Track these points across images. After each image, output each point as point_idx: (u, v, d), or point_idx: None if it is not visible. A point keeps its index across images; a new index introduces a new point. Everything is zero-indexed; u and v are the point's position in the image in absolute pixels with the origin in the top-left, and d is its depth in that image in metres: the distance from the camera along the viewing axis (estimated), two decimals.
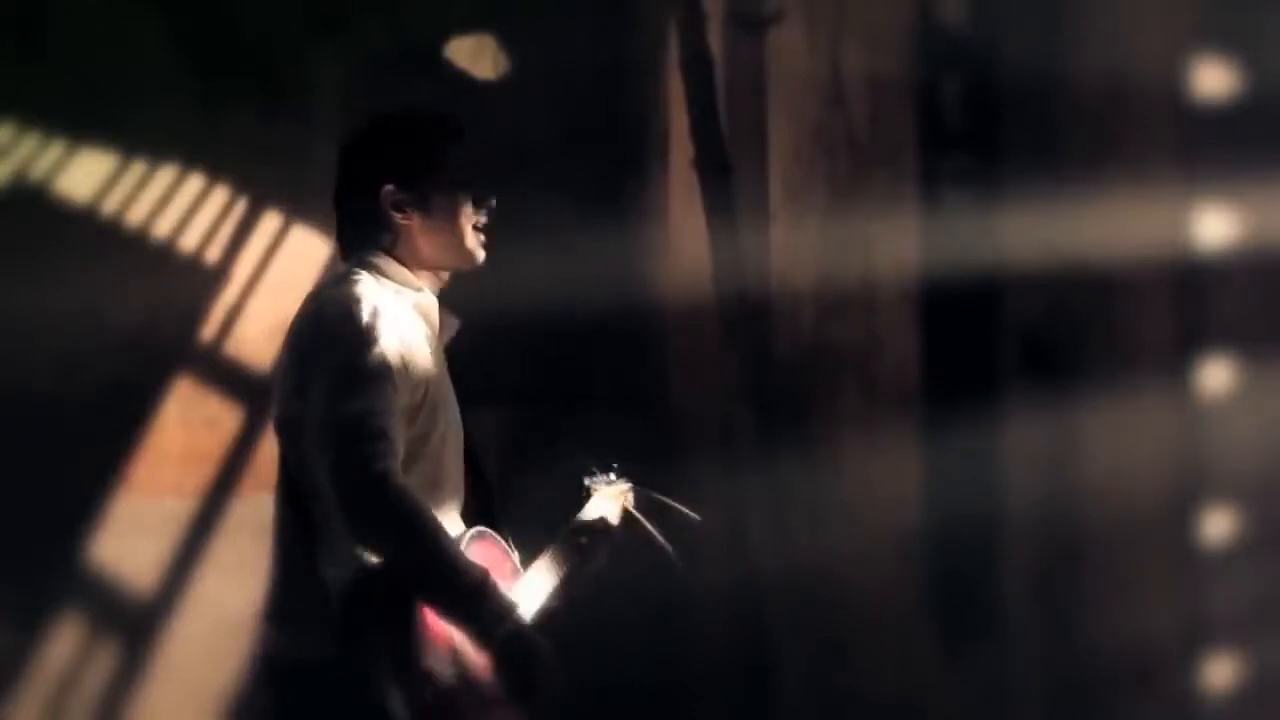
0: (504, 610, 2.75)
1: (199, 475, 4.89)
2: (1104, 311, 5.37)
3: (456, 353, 3.05)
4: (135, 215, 4.83)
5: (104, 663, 4.76)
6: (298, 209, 5.02)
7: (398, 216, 2.95)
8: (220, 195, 4.94)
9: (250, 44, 4.92)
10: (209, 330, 4.92)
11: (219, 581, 4.86)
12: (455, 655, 2.76)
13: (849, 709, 5.43)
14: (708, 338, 5.50)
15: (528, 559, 3.03)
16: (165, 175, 4.86)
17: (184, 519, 4.87)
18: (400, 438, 2.76)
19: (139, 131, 4.78)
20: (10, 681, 4.64)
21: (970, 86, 5.68)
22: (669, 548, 3.20)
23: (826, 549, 5.25)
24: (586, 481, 3.22)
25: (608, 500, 3.19)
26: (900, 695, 5.44)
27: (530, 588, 2.96)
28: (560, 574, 3.02)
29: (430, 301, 2.99)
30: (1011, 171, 5.48)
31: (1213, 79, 5.22)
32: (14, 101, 4.65)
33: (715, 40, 5.49)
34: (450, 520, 2.93)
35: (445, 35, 5.28)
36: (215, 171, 4.91)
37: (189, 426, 4.86)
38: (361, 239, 2.99)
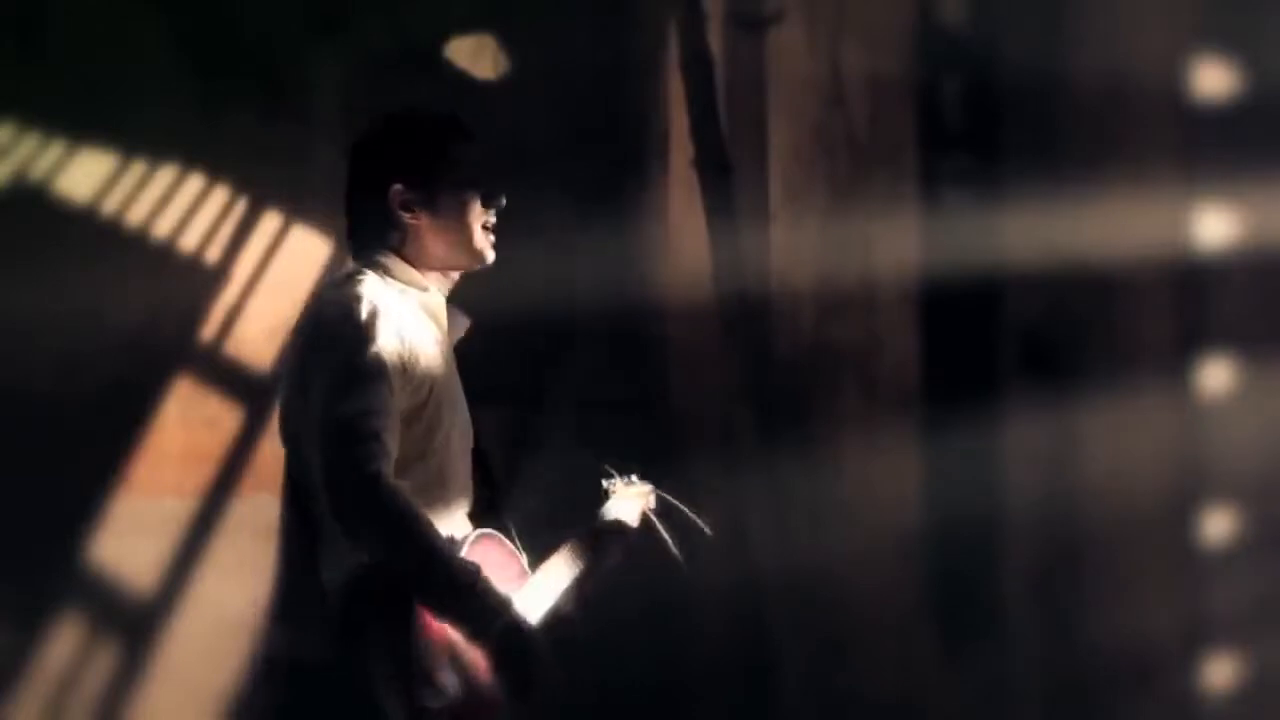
0: (498, 607, 2.74)
1: (199, 475, 4.88)
2: (1104, 311, 5.37)
3: (455, 353, 3.04)
4: (135, 215, 4.83)
5: (104, 663, 4.76)
6: (298, 209, 5.02)
7: (406, 216, 2.95)
8: (220, 195, 4.94)
9: (250, 44, 4.92)
10: (209, 330, 4.92)
11: (219, 581, 4.86)
12: (454, 656, 2.76)
13: (849, 709, 5.43)
14: (708, 338, 5.50)
15: (531, 559, 3.02)
16: (165, 175, 4.86)
17: (184, 519, 4.87)
18: (395, 439, 2.75)
19: (139, 131, 4.78)
20: (10, 681, 4.64)
21: (970, 86, 5.68)
22: (680, 556, 3.20)
23: (826, 549, 5.25)
24: (605, 483, 3.20)
25: (627, 502, 3.18)
26: (900, 695, 5.44)
27: (540, 589, 2.95)
28: (573, 575, 3.01)
29: (437, 301, 2.98)
30: (1011, 171, 5.48)
31: (1213, 79, 5.22)
32: (14, 101, 4.65)
33: (715, 40, 5.49)
34: (457, 520, 2.93)
35: (445, 35, 5.28)
36: (215, 171, 4.91)
37: (189, 426, 4.86)
38: (370, 239, 2.99)
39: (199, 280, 4.92)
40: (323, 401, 2.77)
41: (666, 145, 5.62)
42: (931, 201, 5.60)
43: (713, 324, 5.44)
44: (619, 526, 3.13)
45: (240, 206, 4.97)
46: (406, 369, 2.81)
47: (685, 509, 3.24)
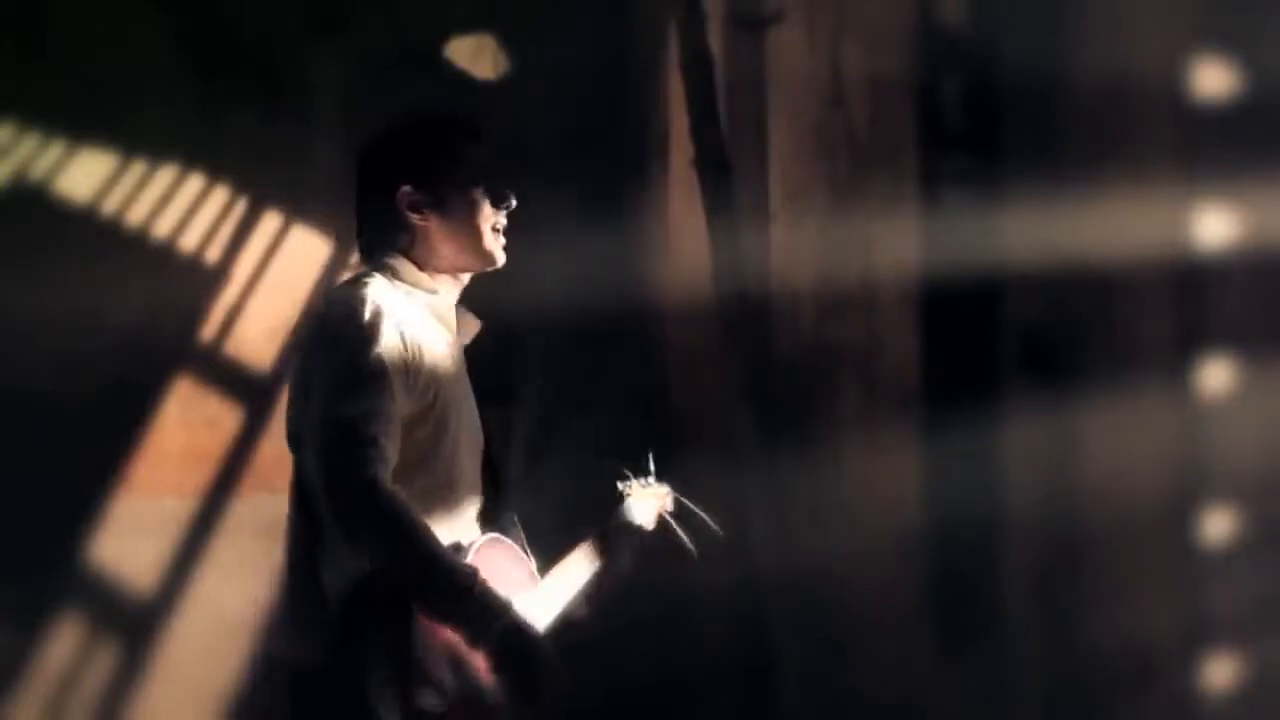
0: (497, 611, 2.73)
1: (199, 475, 4.89)
2: (1104, 311, 5.37)
3: (465, 355, 3.03)
4: (135, 215, 4.83)
5: (104, 663, 4.76)
6: (298, 209, 5.02)
7: (414, 218, 2.94)
8: (220, 195, 4.94)
9: (250, 44, 4.92)
10: (209, 330, 4.92)
11: (219, 581, 4.86)
12: (455, 659, 2.75)
13: (849, 709, 5.43)
14: (708, 338, 5.50)
15: (542, 563, 3.01)
16: (165, 175, 4.86)
17: (184, 519, 4.87)
18: (394, 444, 2.74)
19: (139, 131, 4.78)
20: (10, 681, 4.64)
21: (970, 86, 5.68)
22: (695, 555, 3.19)
23: (826, 549, 5.25)
24: (621, 485, 3.18)
25: (643, 504, 3.16)
26: (900, 695, 5.44)
27: (552, 592, 2.94)
28: (587, 578, 3.01)
29: (446, 303, 2.97)
30: (1011, 171, 5.48)
31: (1213, 79, 5.22)
32: (14, 101, 4.65)
33: (715, 40, 5.49)
34: (465, 524, 2.92)
35: (445, 35, 5.28)
36: (215, 171, 4.91)
37: (189, 426, 4.86)
38: (379, 241, 2.97)
39: (199, 280, 4.92)
40: (322, 404, 2.76)
41: (666, 145, 5.63)
42: (931, 201, 5.60)
43: (713, 324, 5.44)
44: (635, 530, 3.11)
45: (240, 206, 4.97)
46: (410, 372, 2.80)
47: (700, 511, 3.23)
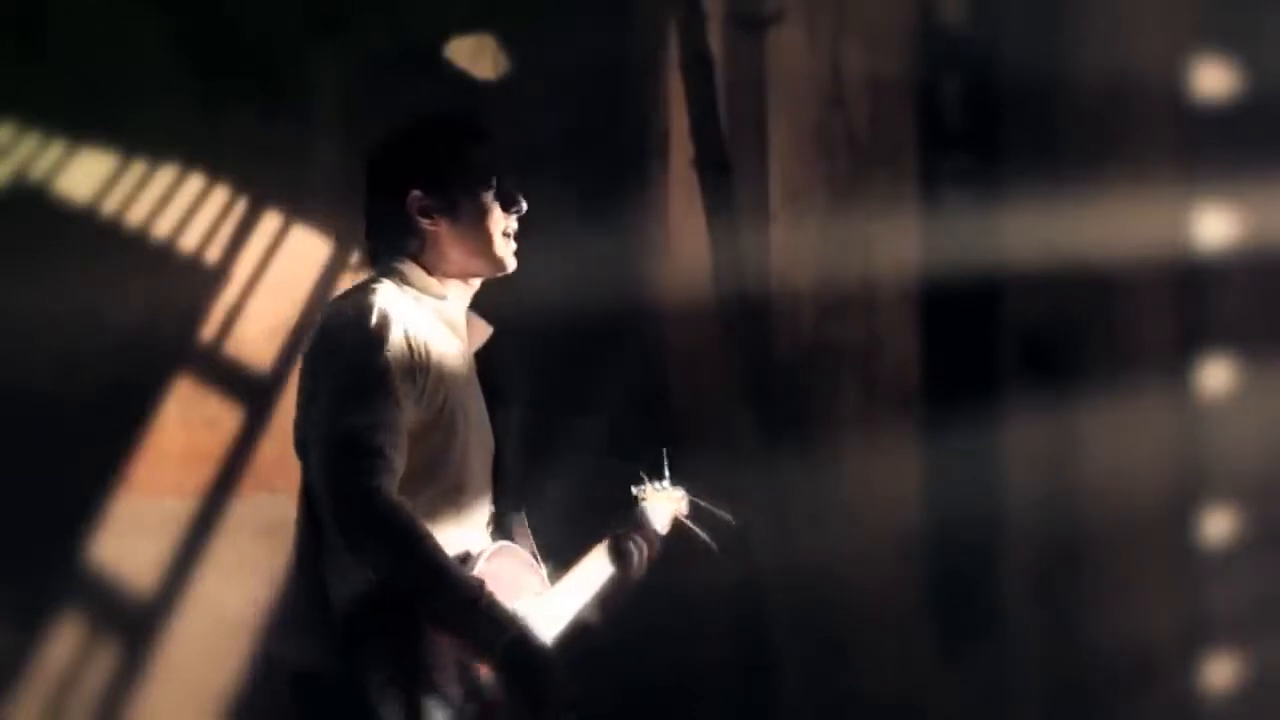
0: (504, 622, 2.70)
1: (199, 475, 4.89)
2: (1104, 311, 5.37)
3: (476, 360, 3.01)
4: (135, 215, 4.83)
5: (104, 663, 4.76)
6: (298, 209, 5.02)
7: (424, 222, 2.90)
8: (220, 195, 4.94)
9: (250, 44, 4.92)
10: (209, 330, 4.92)
11: (219, 581, 4.86)
12: (461, 667, 2.74)
13: (849, 709, 5.43)
14: (708, 338, 5.50)
15: (552, 566, 3.00)
16: (165, 175, 4.86)
17: (184, 519, 4.87)
18: (400, 453, 2.72)
19: (139, 131, 4.78)
20: (10, 681, 4.64)
21: (970, 86, 5.68)
22: (716, 550, 3.17)
23: (826, 549, 5.24)
24: (635, 489, 3.16)
25: (659, 508, 3.14)
26: (900, 695, 5.44)
27: (565, 597, 2.92)
28: (598, 585, 2.98)
29: (455, 309, 2.94)
30: (1011, 171, 5.48)
31: (1213, 79, 5.22)
32: (14, 101, 4.65)
33: (715, 40, 5.50)
34: (475, 529, 2.90)
35: (445, 35, 5.28)
36: (215, 171, 4.91)
37: (189, 426, 4.86)
38: (388, 246, 2.93)
39: (199, 280, 4.92)
40: (327, 413, 2.73)
41: (666, 145, 5.63)
42: (931, 201, 5.60)
43: (713, 324, 5.44)
44: (650, 534, 3.09)
45: (240, 206, 4.97)
46: (418, 380, 2.78)
47: (715, 510, 3.21)
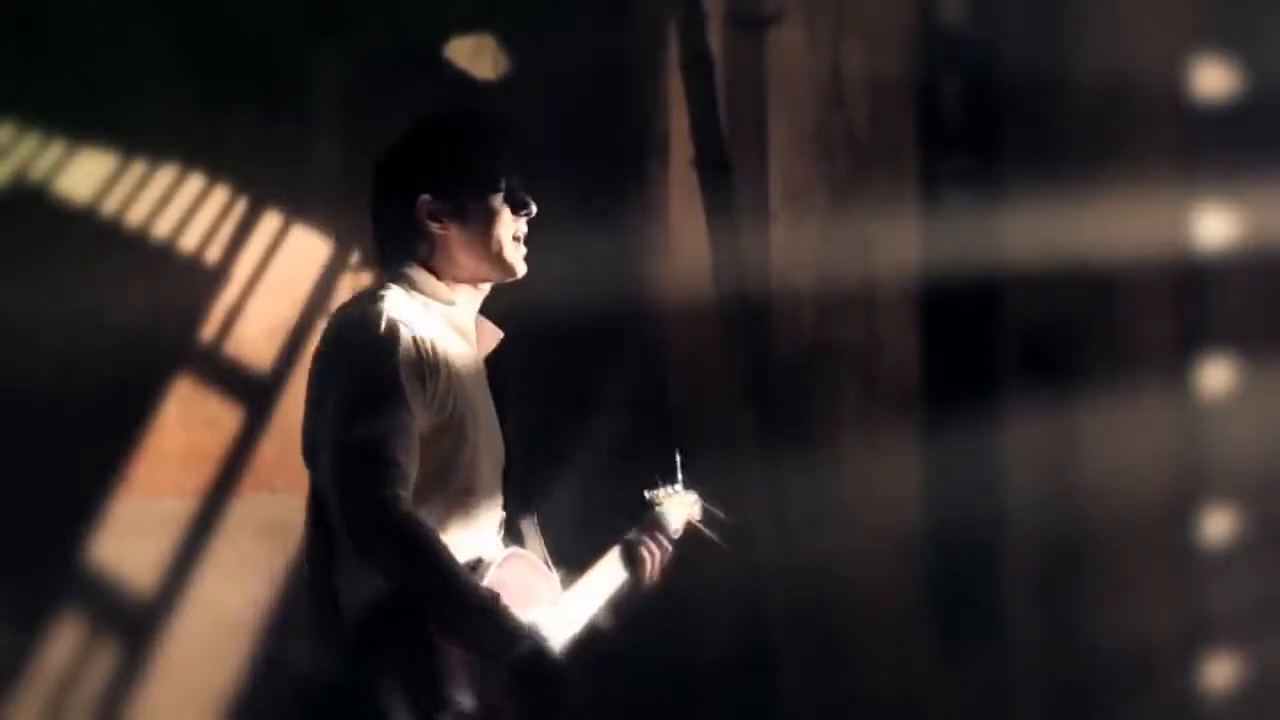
0: (516, 633, 2.67)
1: (199, 475, 4.89)
2: (1104, 311, 5.37)
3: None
4: (135, 215, 4.83)
5: (104, 663, 4.76)
6: (298, 209, 5.02)
7: (434, 227, 2.87)
8: (220, 195, 4.94)
9: (250, 44, 4.92)
10: (209, 330, 4.92)
11: (219, 581, 4.86)
12: (474, 677, 2.71)
13: (849, 709, 5.43)
14: (708, 338, 5.50)
15: (563, 567, 2.99)
16: (165, 175, 4.86)
17: (184, 519, 4.87)
18: (412, 461, 2.69)
19: (139, 131, 4.78)
20: (10, 681, 4.64)
21: (970, 86, 5.68)
22: (725, 548, 3.16)
23: (826, 549, 5.24)
24: (648, 494, 3.14)
25: (672, 512, 3.13)
26: (900, 695, 5.44)
27: (578, 602, 2.91)
28: (611, 590, 2.97)
29: (464, 315, 2.91)
30: (1011, 171, 5.48)
31: (1213, 79, 5.22)
32: (14, 101, 4.65)
33: (715, 40, 5.49)
34: (486, 534, 2.87)
35: (445, 35, 5.28)
36: (215, 171, 4.91)
37: (189, 426, 4.86)
38: (397, 250, 2.90)
39: (199, 280, 4.92)
40: (337, 422, 2.70)
41: (666, 145, 5.63)
42: (931, 201, 5.60)
43: (713, 324, 5.44)
44: (665, 540, 3.07)
45: (240, 206, 4.97)
46: (428, 386, 2.75)
47: (716, 512, 3.20)
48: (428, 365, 2.76)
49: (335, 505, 2.68)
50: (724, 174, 5.41)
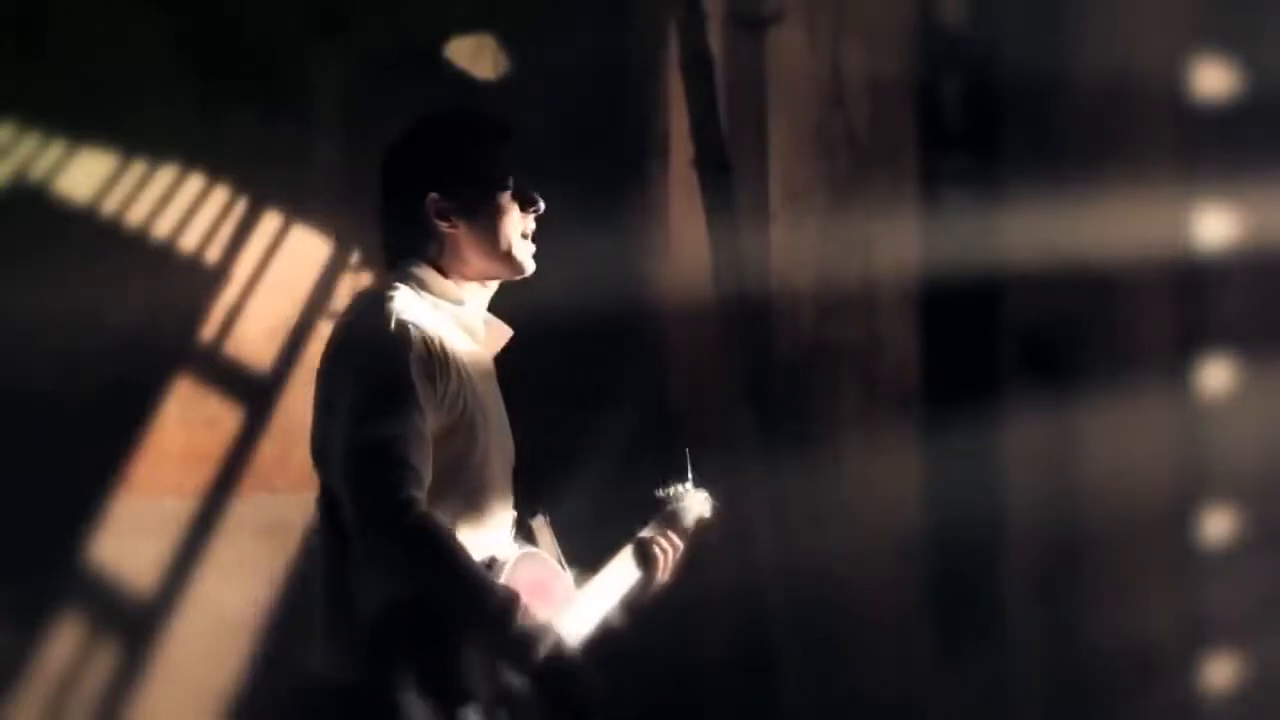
0: (536, 635, 2.65)
1: (199, 475, 4.89)
2: (1104, 311, 5.37)
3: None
4: (135, 215, 4.83)
5: (104, 663, 4.76)
6: (298, 209, 5.02)
7: (442, 225, 2.84)
8: (220, 195, 4.94)
9: (250, 44, 4.92)
10: (209, 330, 4.92)
11: (219, 581, 4.86)
12: (493, 678, 2.70)
13: (849, 709, 5.43)
14: (708, 338, 5.50)
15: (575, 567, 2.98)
16: (165, 175, 4.86)
17: (184, 519, 4.87)
18: (426, 463, 2.66)
19: (139, 131, 4.78)
20: (10, 681, 4.64)
21: (970, 86, 5.68)
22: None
23: (826, 549, 5.24)
24: (660, 492, 3.12)
25: (684, 511, 3.11)
26: (900, 695, 5.44)
27: (589, 605, 2.89)
28: (625, 589, 2.95)
29: (473, 314, 2.88)
30: (1011, 171, 5.48)
31: (1213, 79, 5.22)
32: (14, 101, 4.65)
33: (715, 40, 5.49)
34: (498, 533, 2.85)
35: (445, 35, 5.28)
36: (215, 171, 4.91)
37: (189, 426, 4.86)
38: (405, 250, 2.86)
39: (199, 280, 4.92)
40: (348, 425, 2.66)
41: (666, 145, 5.63)
42: (931, 201, 5.60)
43: (713, 324, 5.43)
44: (678, 538, 3.05)
45: (240, 206, 4.97)
46: (438, 386, 2.72)
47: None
48: (439, 365, 2.73)
49: (349, 508, 2.64)
50: (724, 174, 5.41)
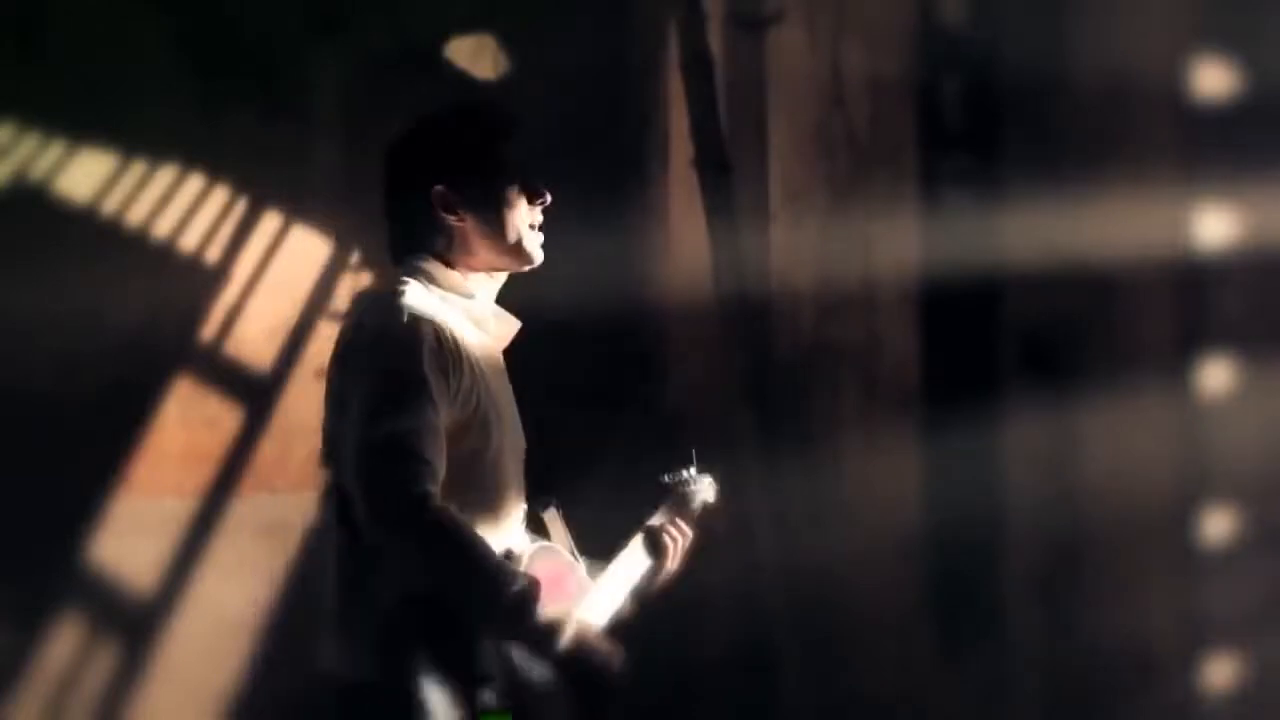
0: (559, 630, 2.65)
1: (199, 475, 4.89)
2: (1104, 311, 5.37)
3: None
4: (135, 215, 4.83)
5: (104, 663, 4.76)
6: (298, 209, 5.02)
7: (450, 218, 2.82)
8: (220, 195, 4.94)
9: (250, 44, 4.92)
10: (209, 330, 4.92)
11: (219, 581, 4.86)
12: (511, 671, 2.69)
13: (849, 709, 5.43)
14: (708, 338, 5.50)
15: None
16: (165, 175, 4.86)
17: (184, 519, 4.87)
18: (441, 457, 2.64)
19: (139, 131, 4.78)
20: (10, 681, 4.64)
21: (970, 86, 5.68)
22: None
23: (826, 549, 5.24)
24: (666, 478, 3.12)
25: (691, 495, 3.11)
26: (900, 695, 5.44)
27: (604, 596, 2.88)
28: (637, 578, 2.95)
29: (482, 308, 2.86)
30: (1011, 171, 5.48)
31: (1213, 79, 5.22)
32: (14, 101, 4.65)
33: (715, 40, 5.49)
34: (511, 527, 2.84)
35: (445, 35, 5.28)
36: (215, 171, 4.91)
37: (189, 426, 4.86)
38: (412, 244, 2.84)
39: (199, 280, 4.92)
40: (359, 423, 2.63)
41: (666, 145, 5.63)
42: (931, 201, 5.60)
43: (713, 324, 5.43)
44: (687, 523, 3.05)
45: (240, 206, 4.97)
46: (451, 381, 2.70)
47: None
48: (451, 360, 2.71)
49: (363, 505, 2.61)
50: (724, 174, 5.41)
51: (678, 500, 3.10)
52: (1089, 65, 5.28)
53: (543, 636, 2.65)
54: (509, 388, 2.90)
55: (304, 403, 4.95)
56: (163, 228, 4.87)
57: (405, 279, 2.79)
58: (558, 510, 2.94)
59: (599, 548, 3.01)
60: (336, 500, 2.76)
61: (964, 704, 5.40)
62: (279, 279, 4.99)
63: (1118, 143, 5.29)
